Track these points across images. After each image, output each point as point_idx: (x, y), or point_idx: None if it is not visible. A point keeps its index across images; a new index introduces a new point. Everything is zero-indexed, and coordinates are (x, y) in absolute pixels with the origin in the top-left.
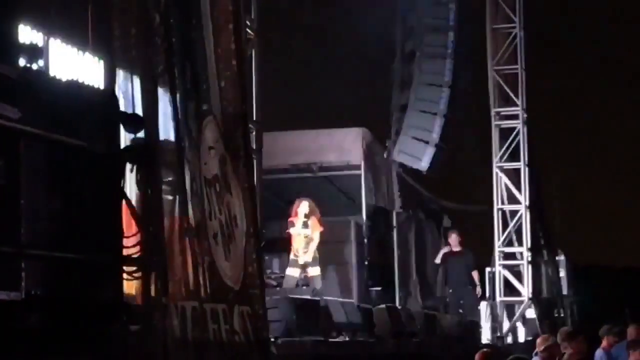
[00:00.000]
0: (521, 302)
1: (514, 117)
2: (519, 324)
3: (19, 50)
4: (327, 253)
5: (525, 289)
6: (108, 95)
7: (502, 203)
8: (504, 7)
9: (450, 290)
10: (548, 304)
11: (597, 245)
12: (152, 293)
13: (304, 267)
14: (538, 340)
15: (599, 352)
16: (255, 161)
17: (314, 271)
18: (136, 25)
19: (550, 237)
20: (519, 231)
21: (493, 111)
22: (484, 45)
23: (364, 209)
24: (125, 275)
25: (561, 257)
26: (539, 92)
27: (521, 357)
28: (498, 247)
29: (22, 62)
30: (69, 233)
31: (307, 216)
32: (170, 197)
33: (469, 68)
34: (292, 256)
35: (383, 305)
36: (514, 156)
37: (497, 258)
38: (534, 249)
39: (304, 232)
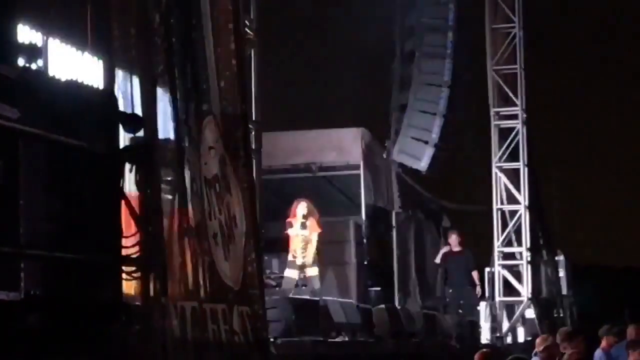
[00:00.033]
0: (520, 302)
1: (514, 117)
2: (519, 324)
3: (18, 50)
4: (327, 253)
5: (525, 289)
6: (107, 95)
7: (502, 203)
8: (504, 7)
9: (450, 290)
10: (547, 304)
11: (597, 245)
12: (152, 293)
13: (302, 268)
14: (537, 340)
15: (598, 352)
16: (254, 161)
17: (312, 271)
18: (136, 25)
19: (550, 237)
20: (518, 231)
21: (492, 111)
22: (484, 45)
23: (364, 209)
24: (124, 276)
25: (561, 257)
26: (539, 92)
27: (520, 357)
28: (497, 247)
29: (21, 62)
30: (68, 233)
31: (305, 217)
32: (169, 197)
33: (469, 68)
34: (290, 257)
35: (382, 305)
36: (514, 156)
37: (496, 258)
38: (534, 249)
39: (302, 233)
